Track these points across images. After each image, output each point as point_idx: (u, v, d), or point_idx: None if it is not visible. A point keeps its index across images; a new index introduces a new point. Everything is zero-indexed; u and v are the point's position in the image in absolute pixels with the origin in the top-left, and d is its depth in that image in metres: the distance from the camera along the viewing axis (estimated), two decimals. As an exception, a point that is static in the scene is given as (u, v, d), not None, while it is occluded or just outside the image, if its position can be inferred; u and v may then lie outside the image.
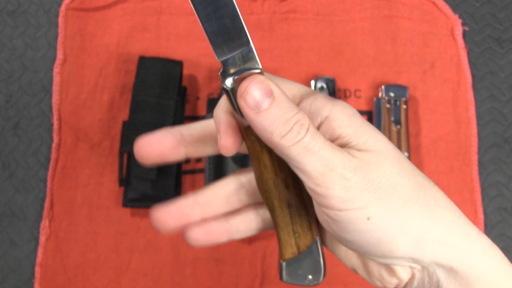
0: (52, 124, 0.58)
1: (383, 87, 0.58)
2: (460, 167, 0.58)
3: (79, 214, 0.56)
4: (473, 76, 0.60)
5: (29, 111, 0.59)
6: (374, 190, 0.24)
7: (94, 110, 0.58)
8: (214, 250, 0.55)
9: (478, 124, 0.59)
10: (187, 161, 0.57)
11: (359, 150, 0.25)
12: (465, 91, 0.60)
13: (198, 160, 0.57)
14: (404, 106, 0.57)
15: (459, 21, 0.61)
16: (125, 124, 0.57)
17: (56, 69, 0.59)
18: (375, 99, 0.58)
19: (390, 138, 0.56)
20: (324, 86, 0.58)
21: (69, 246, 0.55)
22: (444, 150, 0.58)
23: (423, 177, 0.26)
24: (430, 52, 0.61)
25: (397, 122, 0.57)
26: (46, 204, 0.56)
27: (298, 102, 0.26)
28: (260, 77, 0.24)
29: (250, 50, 0.26)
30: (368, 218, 0.24)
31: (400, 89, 0.58)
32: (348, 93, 0.60)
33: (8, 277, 0.55)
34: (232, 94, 0.25)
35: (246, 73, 0.25)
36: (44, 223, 0.55)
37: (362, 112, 0.59)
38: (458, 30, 0.61)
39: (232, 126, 0.26)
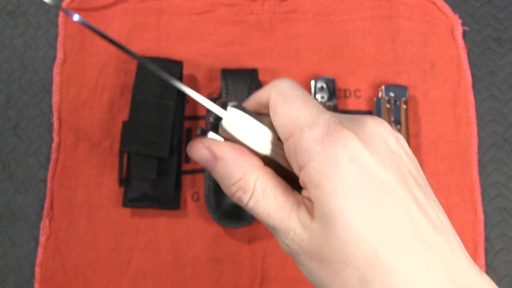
0: (52, 124, 0.58)
1: (383, 87, 0.58)
2: (460, 167, 0.58)
3: (79, 214, 0.56)
4: (473, 76, 0.60)
5: (29, 111, 0.59)
6: (320, 267, 0.23)
7: (94, 110, 0.58)
8: (214, 250, 0.55)
9: (478, 124, 0.59)
10: (187, 161, 0.57)
11: (312, 215, 0.23)
12: (465, 91, 0.60)
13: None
14: (404, 106, 0.57)
15: (459, 21, 0.61)
16: (125, 124, 0.57)
17: (56, 69, 0.59)
18: (375, 99, 0.58)
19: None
20: (324, 86, 0.58)
21: (69, 246, 0.55)
22: (444, 150, 0.58)
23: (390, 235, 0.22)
24: (430, 52, 0.61)
25: (397, 122, 0.57)
26: (46, 204, 0.56)
27: (290, 134, 0.25)
28: (205, 141, 0.26)
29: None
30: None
31: (400, 89, 0.58)
32: (348, 93, 0.60)
33: (8, 277, 0.55)
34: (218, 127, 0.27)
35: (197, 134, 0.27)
36: (44, 223, 0.55)
37: (362, 112, 0.59)
38: (458, 30, 0.61)
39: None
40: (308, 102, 0.25)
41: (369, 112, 0.59)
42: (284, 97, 0.25)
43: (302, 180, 0.24)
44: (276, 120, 0.25)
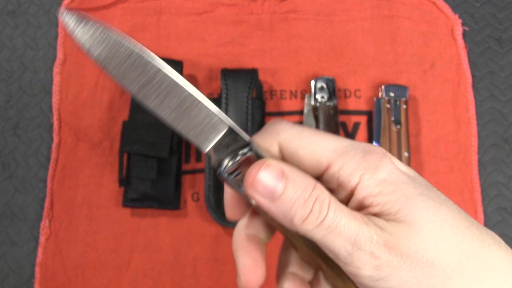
0: (52, 124, 0.58)
1: (383, 87, 0.58)
2: (460, 167, 0.58)
3: (79, 214, 0.56)
4: (473, 76, 0.60)
5: (29, 111, 0.59)
6: (408, 268, 0.21)
7: (94, 110, 0.58)
8: (214, 250, 0.55)
9: (478, 124, 0.59)
10: (187, 161, 0.57)
11: (390, 220, 0.22)
12: (465, 91, 0.60)
13: (198, 160, 0.57)
14: (404, 106, 0.57)
15: (459, 21, 0.61)
16: (125, 124, 0.57)
17: (56, 69, 0.59)
18: (375, 99, 0.58)
19: (390, 138, 0.56)
20: (324, 86, 0.58)
21: (69, 246, 0.55)
22: (444, 150, 0.58)
23: (478, 236, 0.22)
24: (430, 52, 0.61)
25: (397, 122, 0.57)
26: (46, 204, 0.56)
27: (326, 166, 0.23)
28: (268, 161, 0.23)
29: (231, 128, 0.24)
30: None
31: (400, 89, 0.58)
32: (348, 93, 0.60)
33: (8, 277, 0.55)
34: (232, 182, 0.24)
35: (243, 157, 0.23)
36: (44, 223, 0.55)
37: (362, 112, 0.59)
38: (458, 30, 0.61)
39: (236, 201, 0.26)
40: (324, 134, 0.24)
41: (369, 112, 0.59)
42: (300, 139, 0.24)
43: (361, 194, 0.23)
44: (305, 160, 0.24)
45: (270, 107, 0.59)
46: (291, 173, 0.22)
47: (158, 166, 0.54)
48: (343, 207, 0.22)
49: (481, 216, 0.56)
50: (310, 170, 0.23)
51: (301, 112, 0.59)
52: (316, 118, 0.57)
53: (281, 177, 0.22)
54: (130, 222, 0.56)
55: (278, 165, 0.22)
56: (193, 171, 0.57)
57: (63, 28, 0.61)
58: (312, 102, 0.57)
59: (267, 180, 0.22)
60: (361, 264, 0.21)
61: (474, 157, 0.58)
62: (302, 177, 0.23)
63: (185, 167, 0.57)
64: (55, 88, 0.59)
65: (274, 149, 0.25)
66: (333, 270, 0.25)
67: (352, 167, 0.23)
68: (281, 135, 0.24)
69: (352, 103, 0.59)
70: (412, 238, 0.21)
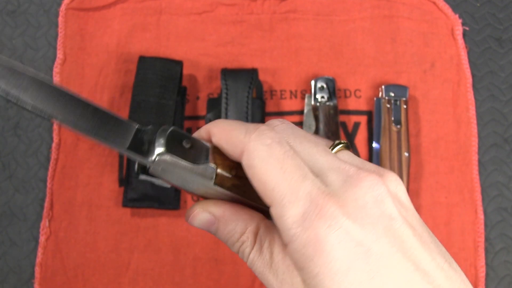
0: (52, 124, 0.58)
1: (383, 87, 0.58)
2: (460, 167, 0.58)
3: (79, 214, 0.56)
4: (473, 76, 0.60)
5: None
6: None
7: (94, 110, 0.58)
8: (214, 250, 0.55)
9: (478, 124, 0.59)
10: (187, 161, 0.57)
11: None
12: (465, 91, 0.60)
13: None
14: (404, 106, 0.57)
15: (459, 21, 0.61)
16: (125, 124, 0.57)
17: (56, 69, 0.59)
18: (375, 99, 0.58)
19: (390, 138, 0.56)
20: (324, 86, 0.58)
21: (69, 246, 0.55)
22: (444, 150, 0.58)
23: None
24: (430, 52, 0.61)
25: (397, 122, 0.57)
26: (46, 204, 0.56)
27: (269, 203, 0.23)
28: (202, 205, 0.26)
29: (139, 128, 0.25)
30: None
31: (400, 89, 0.58)
32: (348, 93, 0.60)
33: (8, 277, 0.55)
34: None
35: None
36: (44, 223, 0.55)
37: (362, 112, 0.59)
38: (458, 30, 0.61)
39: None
40: (287, 165, 0.22)
41: (369, 112, 0.59)
42: (260, 160, 0.23)
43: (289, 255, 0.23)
44: (255, 184, 0.23)
45: (270, 107, 0.59)
46: (223, 218, 0.25)
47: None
48: (266, 253, 0.24)
49: (481, 216, 0.56)
50: (262, 196, 0.23)
51: (301, 112, 0.59)
52: (316, 118, 0.57)
53: (213, 222, 0.26)
54: (130, 222, 0.56)
55: (209, 213, 0.25)
56: (193, 171, 0.57)
57: (63, 28, 0.61)
58: (312, 102, 0.57)
59: (202, 222, 0.26)
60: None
61: (474, 157, 0.58)
62: (234, 221, 0.25)
63: (185, 167, 0.57)
64: (55, 88, 0.59)
65: (205, 136, 0.26)
66: None
67: (285, 225, 0.22)
68: (250, 144, 0.24)
69: (352, 103, 0.59)
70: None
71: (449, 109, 0.59)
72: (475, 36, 0.62)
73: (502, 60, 0.61)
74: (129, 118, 0.54)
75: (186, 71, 0.59)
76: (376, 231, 0.21)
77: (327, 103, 0.57)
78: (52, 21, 0.61)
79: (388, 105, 0.57)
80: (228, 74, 0.56)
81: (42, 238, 0.55)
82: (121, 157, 0.57)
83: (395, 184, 0.23)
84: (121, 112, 0.58)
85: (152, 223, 0.56)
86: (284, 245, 0.23)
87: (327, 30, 0.61)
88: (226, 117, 0.55)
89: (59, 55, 0.60)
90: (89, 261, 0.55)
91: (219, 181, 0.25)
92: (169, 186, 0.26)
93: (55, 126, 0.58)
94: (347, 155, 0.25)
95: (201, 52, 0.60)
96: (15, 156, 0.58)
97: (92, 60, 0.60)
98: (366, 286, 0.20)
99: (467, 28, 0.62)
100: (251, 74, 0.56)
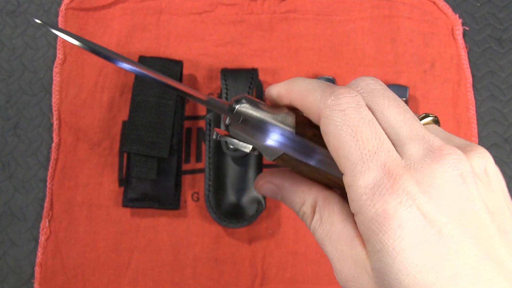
0: (52, 124, 0.58)
1: (383, 87, 0.58)
2: (460, 167, 0.58)
3: (79, 214, 0.56)
4: (473, 76, 0.60)
5: (29, 111, 0.59)
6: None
7: (94, 110, 0.58)
8: (214, 250, 0.55)
9: (478, 124, 0.59)
10: (187, 161, 0.57)
11: (368, 254, 0.22)
12: (465, 91, 0.60)
13: (198, 160, 0.57)
14: (404, 106, 0.57)
15: (459, 21, 0.61)
16: (125, 124, 0.57)
17: (56, 69, 0.59)
18: (375, 99, 0.58)
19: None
20: (324, 86, 0.58)
21: (69, 246, 0.55)
22: (444, 150, 0.58)
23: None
24: (430, 52, 0.61)
25: (397, 122, 0.57)
26: (46, 204, 0.56)
27: (342, 170, 0.22)
28: (266, 176, 0.27)
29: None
30: None
31: (400, 89, 0.58)
32: (348, 93, 0.60)
33: (8, 277, 0.55)
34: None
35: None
36: (44, 223, 0.55)
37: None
38: (458, 30, 0.61)
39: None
40: (361, 133, 0.21)
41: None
42: (334, 126, 0.22)
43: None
44: (330, 150, 0.22)
45: (270, 107, 0.59)
46: (284, 189, 0.26)
47: (158, 166, 0.54)
48: (327, 222, 0.24)
49: (481, 216, 0.56)
50: (337, 164, 0.23)
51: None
52: (316, 118, 0.57)
53: (277, 192, 0.27)
54: (130, 222, 0.56)
55: (273, 184, 0.27)
56: (193, 171, 0.57)
57: (63, 28, 0.60)
58: (312, 102, 0.57)
59: (269, 192, 0.27)
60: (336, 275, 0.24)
61: (474, 157, 0.58)
62: (294, 192, 0.26)
63: (185, 167, 0.57)
64: (55, 88, 0.59)
65: (309, 107, 0.25)
66: None
67: (355, 194, 0.22)
68: (328, 108, 0.23)
69: (352, 103, 0.59)
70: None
71: (449, 109, 0.59)
72: (475, 36, 0.62)
73: (502, 60, 0.61)
74: (129, 118, 0.54)
75: (186, 71, 0.59)
76: (450, 213, 0.20)
77: (327, 103, 0.57)
78: (52, 21, 0.61)
79: (388, 105, 0.57)
80: (228, 74, 0.56)
81: (42, 238, 0.55)
82: (121, 157, 0.57)
83: (482, 161, 0.22)
84: (121, 112, 0.58)
85: (152, 223, 0.56)
86: (346, 216, 0.23)
87: (327, 30, 0.61)
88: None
89: (59, 55, 0.60)
90: (89, 261, 0.55)
91: (300, 130, 0.25)
92: (247, 150, 0.26)
93: (55, 126, 0.58)
94: (434, 128, 0.24)
95: (201, 52, 0.60)
96: (15, 156, 0.58)
97: (92, 60, 0.60)
98: (429, 269, 0.19)
99: (467, 28, 0.62)
100: (251, 74, 0.56)
